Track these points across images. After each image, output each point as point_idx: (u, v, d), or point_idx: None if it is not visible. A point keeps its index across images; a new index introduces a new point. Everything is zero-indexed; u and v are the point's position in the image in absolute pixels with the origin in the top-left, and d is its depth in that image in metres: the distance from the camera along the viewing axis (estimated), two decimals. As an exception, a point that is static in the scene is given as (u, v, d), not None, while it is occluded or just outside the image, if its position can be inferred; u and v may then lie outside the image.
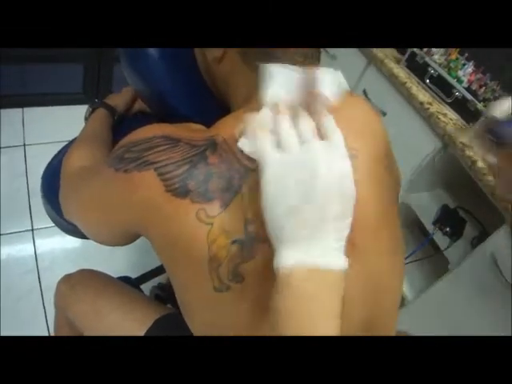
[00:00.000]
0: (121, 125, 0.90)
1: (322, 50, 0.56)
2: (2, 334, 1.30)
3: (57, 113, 2.10)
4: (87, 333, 0.85)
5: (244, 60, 0.55)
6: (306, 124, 0.44)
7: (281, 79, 0.48)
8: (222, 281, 0.47)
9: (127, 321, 0.79)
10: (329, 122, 0.45)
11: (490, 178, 1.09)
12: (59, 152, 0.91)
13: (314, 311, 0.41)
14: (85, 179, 0.62)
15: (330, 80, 0.50)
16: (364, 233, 0.51)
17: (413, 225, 1.52)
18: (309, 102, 0.46)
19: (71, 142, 0.82)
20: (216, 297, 0.48)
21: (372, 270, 0.53)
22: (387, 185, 0.58)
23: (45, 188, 0.87)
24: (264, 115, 0.45)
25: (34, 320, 1.40)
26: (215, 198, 0.47)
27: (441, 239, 1.29)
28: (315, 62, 0.57)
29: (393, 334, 0.64)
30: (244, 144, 0.46)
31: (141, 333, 0.77)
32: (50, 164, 0.90)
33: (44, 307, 1.43)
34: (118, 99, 0.94)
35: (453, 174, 1.31)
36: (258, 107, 0.47)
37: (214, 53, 0.57)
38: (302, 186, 0.41)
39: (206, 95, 0.50)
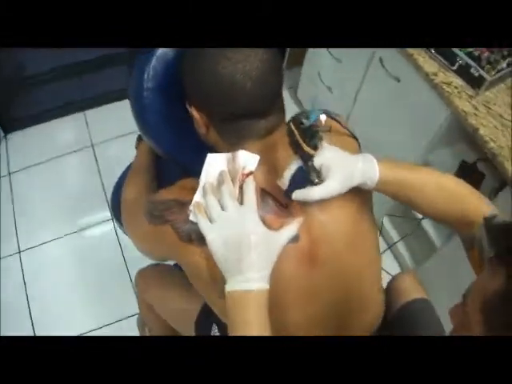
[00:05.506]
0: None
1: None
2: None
3: (114, 109, 2.33)
4: (157, 308, 1.18)
5: (221, 138, 0.73)
6: (227, 191, 0.66)
7: (213, 163, 0.70)
8: (219, 292, 0.69)
9: (184, 297, 1.07)
10: (245, 187, 0.66)
11: (492, 144, 1.19)
12: (120, 177, 1.17)
13: (235, 318, 0.65)
14: (133, 216, 0.89)
15: (247, 157, 0.69)
16: (323, 246, 0.73)
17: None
18: (233, 174, 0.68)
19: (128, 169, 1.07)
20: (220, 301, 0.69)
21: (335, 272, 0.76)
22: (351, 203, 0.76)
23: (113, 205, 1.16)
24: (197, 198, 0.69)
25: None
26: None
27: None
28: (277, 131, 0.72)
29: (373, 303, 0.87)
30: (192, 218, 0.69)
31: (197, 306, 1.03)
32: (114, 187, 1.18)
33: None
34: None
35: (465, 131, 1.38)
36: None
37: (201, 129, 0.75)
38: (224, 241, 0.65)
39: (204, 150, 0.73)
